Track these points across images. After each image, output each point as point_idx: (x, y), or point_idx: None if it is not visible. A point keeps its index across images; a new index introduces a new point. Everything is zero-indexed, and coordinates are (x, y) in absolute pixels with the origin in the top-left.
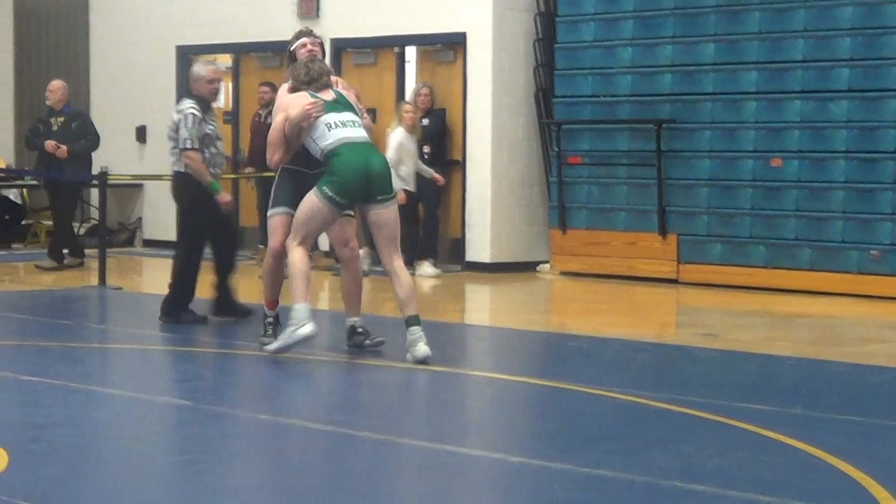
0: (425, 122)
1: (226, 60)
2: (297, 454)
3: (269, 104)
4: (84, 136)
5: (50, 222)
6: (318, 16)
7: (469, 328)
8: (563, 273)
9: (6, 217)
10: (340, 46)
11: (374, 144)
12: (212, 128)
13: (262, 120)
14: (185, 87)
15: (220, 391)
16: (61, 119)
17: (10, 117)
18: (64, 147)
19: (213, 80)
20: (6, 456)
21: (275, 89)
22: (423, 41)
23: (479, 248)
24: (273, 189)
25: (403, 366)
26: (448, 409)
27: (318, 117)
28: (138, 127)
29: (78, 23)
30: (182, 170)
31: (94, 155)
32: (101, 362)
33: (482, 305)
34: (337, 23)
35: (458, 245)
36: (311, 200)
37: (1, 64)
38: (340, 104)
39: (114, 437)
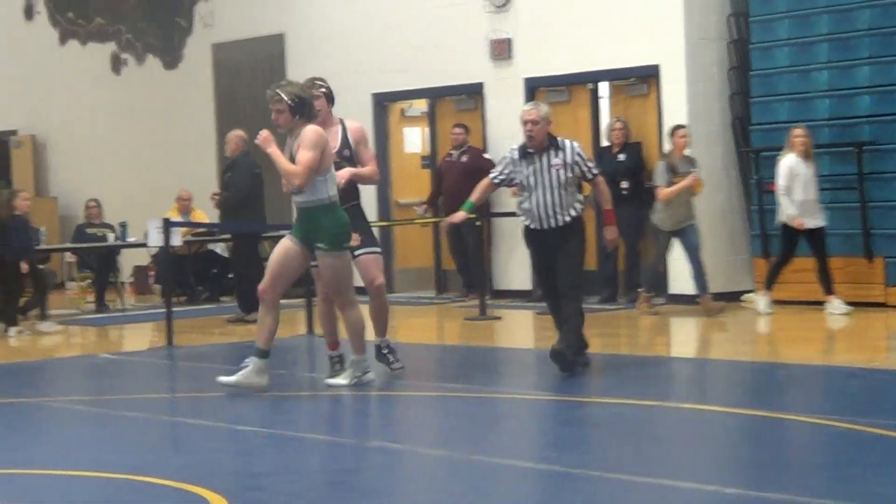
0: (621, 157)
1: (421, 105)
2: (511, 495)
3: (461, 145)
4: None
5: None
6: (510, 56)
7: (676, 361)
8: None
9: (214, 271)
10: (534, 85)
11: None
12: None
13: (455, 160)
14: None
15: (426, 433)
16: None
17: (213, 170)
18: (217, 198)
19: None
20: None
21: (468, 131)
22: (616, 76)
23: (683, 279)
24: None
25: (608, 400)
26: (658, 442)
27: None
28: None
29: (275, 74)
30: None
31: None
32: (312, 410)
33: (688, 337)
34: (529, 62)
35: (662, 278)
36: (344, 260)
37: (203, 118)
38: None
39: (328, 484)
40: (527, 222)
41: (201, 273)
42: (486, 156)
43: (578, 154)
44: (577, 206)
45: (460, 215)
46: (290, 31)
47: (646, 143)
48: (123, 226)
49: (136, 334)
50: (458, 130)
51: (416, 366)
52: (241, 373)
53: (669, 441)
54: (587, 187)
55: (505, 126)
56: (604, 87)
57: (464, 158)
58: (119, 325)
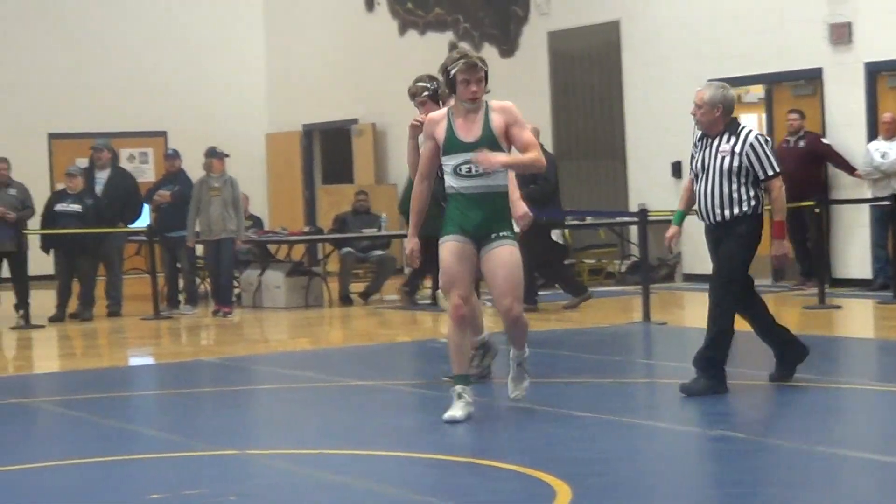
0: None
1: (757, 91)
2: (851, 486)
3: (797, 131)
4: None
5: (591, 261)
6: (850, 41)
7: None
8: None
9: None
10: (875, 70)
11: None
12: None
13: (792, 146)
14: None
15: (769, 423)
16: None
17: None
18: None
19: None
20: (569, 490)
21: (803, 116)
22: None
23: None
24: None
25: None
26: None
27: None
28: (673, 162)
29: (611, 62)
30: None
31: (630, 191)
32: (650, 396)
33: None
34: (870, 46)
35: None
36: (518, 253)
37: (538, 106)
38: None
39: (669, 471)
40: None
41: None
42: (825, 141)
43: (751, 145)
44: (751, 202)
45: (674, 230)
46: (626, 17)
47: None
48: None
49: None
50: (793, 116)
51: (754, 354)
52: (456, 406)
53: None
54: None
55: (845, 112)
56: None
57: (801, 144)
58: None
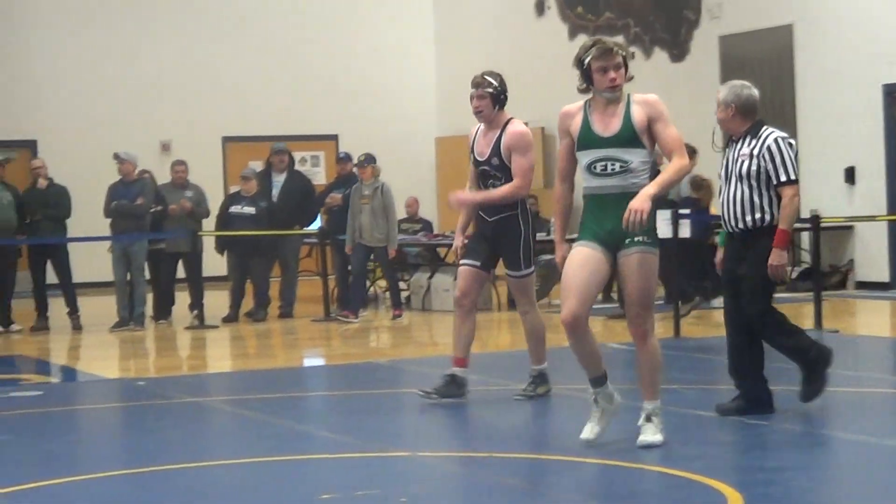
0: None
1: None
2: None
3: None
4: None
5: None
6: None
7: None
8: None
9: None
10: None
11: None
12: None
13: None
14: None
15: None
16: None
17: (715, 161)
18: None
19: None
20: (741, 499)
21: None
22: None
23: None
24: None
25: None
26: None
27: None
28: (846, 168)
29: (784, 67)
30: None
31: (804, 197)
32: (824, 405)
33: None
34: None
35: None
36: (657, 261)
37: (709, 113)
38: None
39: (845, 482)
40: None
41: (707, 266)
42: None
43: (769, 147)
44: (772, 210)
45: (720, 254)
46: (799, 21)
47: None
48: None
49: None
50: None
51: None
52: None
53: None
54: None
55: None
56: None
57: None
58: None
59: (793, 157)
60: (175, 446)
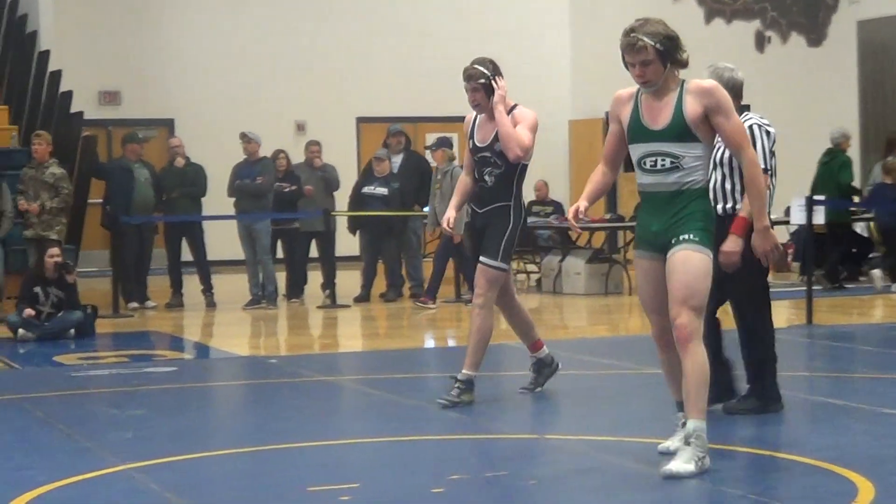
0: None
1: None
2: None
3: None
4: None
5: None
6: None
7: None
8: None
9: (853, 250)
10: None
11: None
12: None
13: None
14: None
15: None
16: None
17: (856, 150)
18: None
19: None
20: (872, 488)
21: None
22: None
23: None
24: None
25: None
26: None
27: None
28: None
29: None
30: None
31: None
32: None
33: None
34: None
35: None
36: (708, 262)
37: (844, 97)
38: None
39: None
40: None
41: (841, 252)
42: None
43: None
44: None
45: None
46: None
47: None
48: None
49: (775, 311)
50: None
51: None
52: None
53: None
54: None
55: None
56: None
57: None
58: None
59: (769, 145)
60: (304, 424)
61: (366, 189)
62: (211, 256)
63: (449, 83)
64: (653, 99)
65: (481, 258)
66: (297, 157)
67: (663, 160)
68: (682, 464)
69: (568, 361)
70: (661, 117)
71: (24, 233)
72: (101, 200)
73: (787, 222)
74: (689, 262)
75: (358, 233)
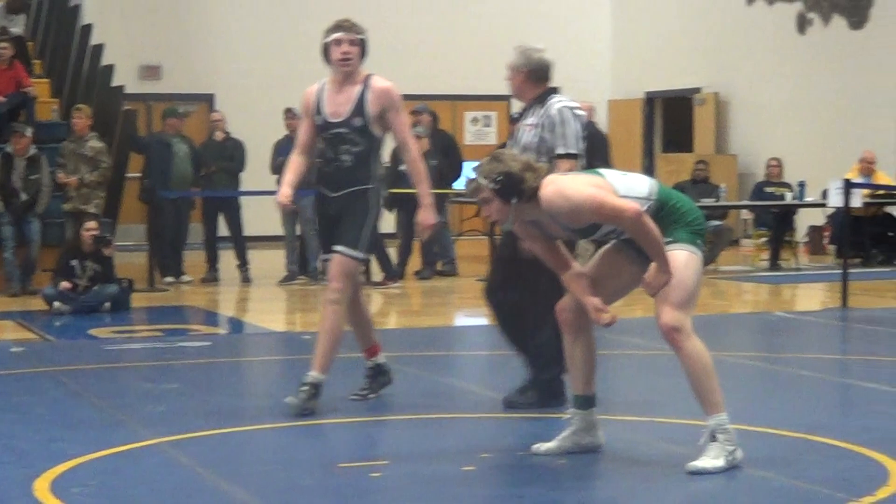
0: None
1: None
2: None
3: None
4: None
5: None
6: None
7: None
8: None
9: (890, 234)
10: None
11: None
12: None
13: None
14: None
15: None
16: None
17: (892, 133)
18: None
19: None
20: None
21: None
22: None
23: None
24: None
25: None
26: None
27: None
28: None
29: None
30: None
31: None
32: None
33: None
34: None
35: None
36: (694, 259)
37: (889, 80)
38: None
39: None
40: None
41: (878, 235)
42: None
43: (551, 116)
44: None
45: None
46: None
47: None
48: (801, 185)
49: (809, 294)
50: None
51: None
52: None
53: None
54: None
55: None
56: None
57: None
58: (792, 283)
59: (578, 129)
60: (337, 401)
61: (403, 166)
62: (247, 232)
63: (489, 62)
64: None
65: (338, 247)
66: None
67: None
68: (710, 460)
69: (600, 341)
70: None
71: (63, 206)
72: (139, 174)
73: (824, 205)
74: (672, 259)
75: (395, 210)
